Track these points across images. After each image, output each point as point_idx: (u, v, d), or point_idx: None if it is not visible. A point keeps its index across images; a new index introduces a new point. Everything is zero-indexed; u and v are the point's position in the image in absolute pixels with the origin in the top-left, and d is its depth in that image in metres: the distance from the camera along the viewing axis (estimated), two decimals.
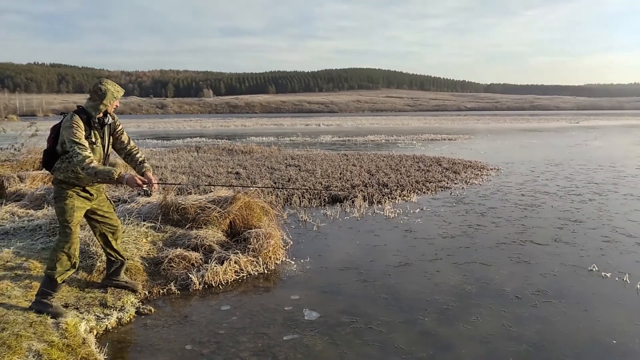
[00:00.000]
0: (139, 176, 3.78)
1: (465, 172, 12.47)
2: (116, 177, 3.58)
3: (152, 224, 5.68)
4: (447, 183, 10.81)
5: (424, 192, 9.78)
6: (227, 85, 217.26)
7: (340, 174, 11.62)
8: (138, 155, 4.07)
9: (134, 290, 4.37)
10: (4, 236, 5.31)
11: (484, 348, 3.54)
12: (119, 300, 4.16)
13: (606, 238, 6.36)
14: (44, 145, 4.03)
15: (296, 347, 3.57)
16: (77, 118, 3.67)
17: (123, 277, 4.37)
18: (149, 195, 3.96)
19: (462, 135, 28.66)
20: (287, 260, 5.44)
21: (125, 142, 4.07)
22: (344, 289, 4.68)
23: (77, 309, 3.91)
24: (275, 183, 10.17)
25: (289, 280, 4.93)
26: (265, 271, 5.12)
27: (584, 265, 5.25)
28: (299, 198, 8.71)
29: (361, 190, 9.48)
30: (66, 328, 3.34)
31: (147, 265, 4.88)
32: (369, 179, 10.86)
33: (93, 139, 3.78)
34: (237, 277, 4.91)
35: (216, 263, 4.91)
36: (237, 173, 11.69)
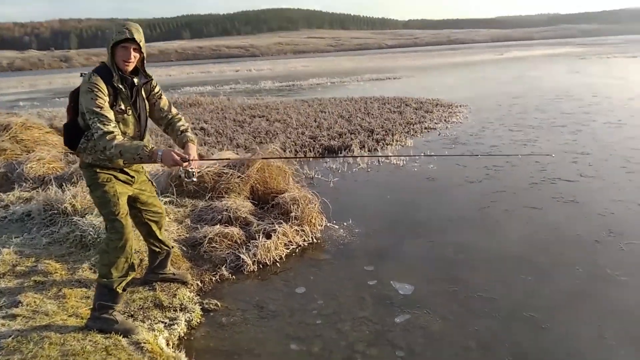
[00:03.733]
0: (177, 151, 2.80)
1: (437, 111, 12.23)
2: (147, 153, 2.68)
3: (169, 199, 4.85)
4: (430, 124, 10.51)
5: (413, 135, 9.42)
6: None
7: (315, 121, 10.96)
8: (180, 124, 3.17)
9: (184, 282, 3.65)
10: None
11: (621, 309, 3.25)
12: (174, 297, 3.44)
13: (625, 169, 6.34)
14: None
15: (410, 330, 3.10)
16: (96, 79, 2.74)
17: (170, 269, 3.63)
18: (191, 177, 2.94)
19: (405, 73, 28.51)
20: (330, 224, 4.87)
21: (165, 108, 3.17)
22: (414, 253, 4.23)
23: (133, 316, 3.17)
24: (255, 138, 9.35)
25: (346, 248, 4.39)
26: (314, 240, 4.54)
27: (635, 200, 5.15)
28: (294, 152, 8.03)
29: (350, 138, 8.93)
30: (151, 349, 2.64)
31: (184, 249, 4.13)
32: (349, 125, 10.30)
33: (122, 107, 2.86)
34: (288, 251, 4.30)
35: (263, 237, 4.25)
36: (202, 129, 10.69)
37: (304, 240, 4.49)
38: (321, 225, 4.80)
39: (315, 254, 4.31)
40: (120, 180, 2.98)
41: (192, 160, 2.88)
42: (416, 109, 12.51)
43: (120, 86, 2.84)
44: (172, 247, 3.63)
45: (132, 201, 3.13)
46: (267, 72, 41.43)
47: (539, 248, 4.16)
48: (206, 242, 4.15)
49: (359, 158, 7.65)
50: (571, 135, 8.68)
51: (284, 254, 4.24)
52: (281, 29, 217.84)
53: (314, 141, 8.76)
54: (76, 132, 2.92)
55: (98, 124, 2.68)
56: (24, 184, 5.64)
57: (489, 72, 26.72)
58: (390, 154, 7.76)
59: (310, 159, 7.82)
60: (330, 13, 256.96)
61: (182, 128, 3.13)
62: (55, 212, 4.38)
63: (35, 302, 3.09)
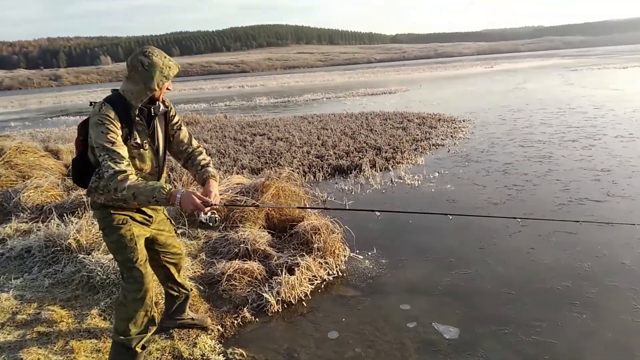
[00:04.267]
0: (198, 194, 2.46)
1: (441, 127, 12.01)
2: (165, 196, 2.35)
3: (180, 230, 4.49)
4: (437, 140, 10.26)
5: (422, 153, 9.14)
6: (126, 50, 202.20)
7: (319, 139, 10.67)
8: (200, 158, 2.83)
9: (204, 328, 3.29)
10: None
11: None
12: (194, 346, 3.08)
13: None
14: None
15: None
16: (107, 110, 2.40)
17: (188, 313, 3.26)
18: (214, 224, 2.57)
19: (399, 88, 28.41)
20: (353, 255, 4.53)
21: (185, 141, 2.83)
22: (451, 287, 3.89)
23: None
24: (259, 158, 9.02)
25: (375, 282, 4.04)
26: (339, 273, 4.19)
27: None
28: (302, 173, 7.69)
29: (359, 157, 8.63)
30: None
31: (201, 287, 3.77)
32: (354, 143, 10.00)
33: (138, 141, 2.53)
34: (312, 287, 3.95)
35: (285, 272, 3.90)
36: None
37: (329, 274, 4.14)
38: (345, 256, 4.46)
39: (343, 289, 3.96)
40: (137, 221, 2.63)
41: (215, 205, 2.53)
42: (419, 125, 12.27)
43: (137, 118, 2.52)
44: (191, 289, 3.27)
45: (149, 243, 2.78)
46: (260, 88, 41.30)
47: (586, 279, 3.84)
48: (225, 279, 3.79)
49: (370, 178, 7.33)
50: (585, 150, 8.45)
51: (309, 290, 3.88)
52: (270, 45, 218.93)
53: (322, 161, 8.45)
54: (86, 168, 2.58)
55: (109, 162, 2.34)
56: (22, 215, 5.26)
57: (483, 85, 26.68)
58: (402, 173, 7.45)
59: (320, 181, 7.49)
60: (318, 28, 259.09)
61: (202, 162, 2.79)
62: (58, 248, 4.00)
63: (39, 359, 2.72)
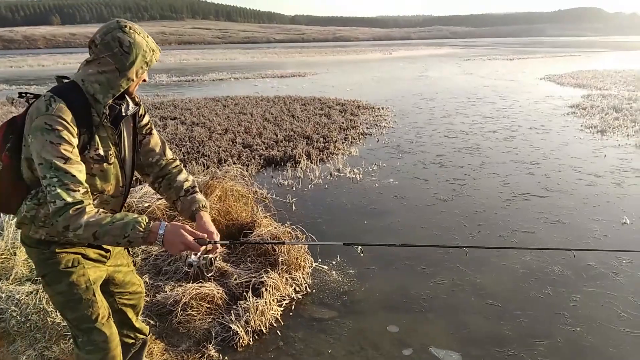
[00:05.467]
0: (188, 228, 1.75)
1: (362, 114, 11.86)
2: (142, 234, 1.66)
3: None
4: (363, 128, 10.05)
5: (352, 142, 8.85)
6: None
7: (240, 125, 9.95)
8: (181, 178, 2.11)
9: None
10: None
11: None
12: None
13: (583, 180, 6.33)
14: None
15: None
16: (60, 108, 1.65)
17: None
18: (209, 268, 1.88)
19: (307, 71, 28.05)
20: (317, 265, 4.06)
21: (157, 150, 2.11)
22: (433, 301, 3.57)
23: None
24: (179, 147, 8.12)
25: (350, 299, 3.60)
26: (307, 289, 3.70)
27: (615, 218, 5.02)
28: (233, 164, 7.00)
29: (291, 147, 8.10)
30: None
31: (151, 321, 3.06)
32: (280, 131, 9.44)
33: (101, 152, 1.80)
34: (281, 309, 3.42)
35: (251, 295, 3.32)
36: None
37: (296, 291, 3.64)
38: (309, 267, 3.97)
39: (317, 310, 3.47)
40: (90, 259, 1.92)
41: (214, 243, 1.86)
42: (341, 112, 12.00)
43: (105, 120, 1.80)
44: (149, 333, 2.58)
45: (104, 284, 2.07)
46: (156, 64, 38.39)
47: (563, 285, 3.74)
48: (179, 309, 3.12)
49: (308, 170, 6.87)
50: (508, 142, 8.72)
51: (279, 314, 3.35)
52: (164, 18, 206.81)
53: (251, 151, 7.80)
54: (14, 188, 1.81)
55: (58, 189, 1.60)
56: None
57: (387, 72, 27.27)
58: (340, 166, 7.08)
59: (261, 177, 6.87)
60: (215, 3, 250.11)
61: (186, 185, 2.09)
62: None
63: None
